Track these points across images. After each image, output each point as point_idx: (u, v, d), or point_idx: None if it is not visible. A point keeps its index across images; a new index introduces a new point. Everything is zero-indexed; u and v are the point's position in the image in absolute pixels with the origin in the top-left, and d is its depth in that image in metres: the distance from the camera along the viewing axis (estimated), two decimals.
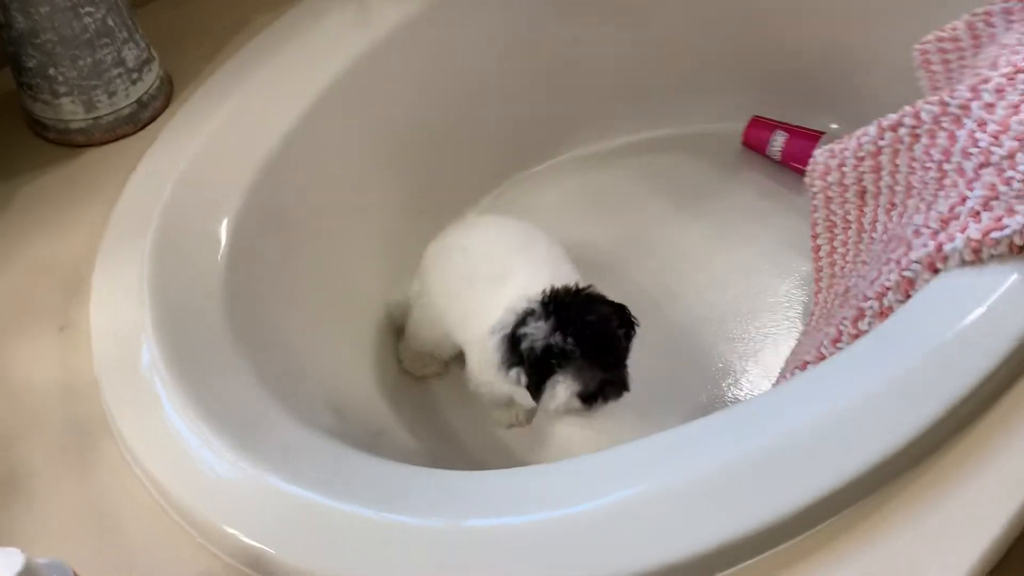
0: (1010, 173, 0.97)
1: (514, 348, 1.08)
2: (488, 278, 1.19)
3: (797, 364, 1.21)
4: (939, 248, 0.99)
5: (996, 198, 0.99)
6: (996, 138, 1.01)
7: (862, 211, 1.21)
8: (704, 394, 1.40)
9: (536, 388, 1.08)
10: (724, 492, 0.79)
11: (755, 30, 1.66)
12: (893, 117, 1.14)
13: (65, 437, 0.90)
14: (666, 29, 1.66)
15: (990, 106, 1.04)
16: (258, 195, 1.12)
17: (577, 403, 1.08)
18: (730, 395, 1.39)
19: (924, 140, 1.10)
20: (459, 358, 1.31)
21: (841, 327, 1.12)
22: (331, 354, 1.24)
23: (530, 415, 1.34)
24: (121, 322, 0.96)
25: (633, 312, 1.44)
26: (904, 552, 0.76)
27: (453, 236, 1.32)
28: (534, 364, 1.07)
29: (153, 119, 1.21)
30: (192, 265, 1.02)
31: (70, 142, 1.17)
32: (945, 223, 1.02)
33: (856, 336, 1.10)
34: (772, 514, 0.76)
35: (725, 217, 1.64)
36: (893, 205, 1.16)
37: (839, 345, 1.13)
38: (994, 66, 1.09)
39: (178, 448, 0.87)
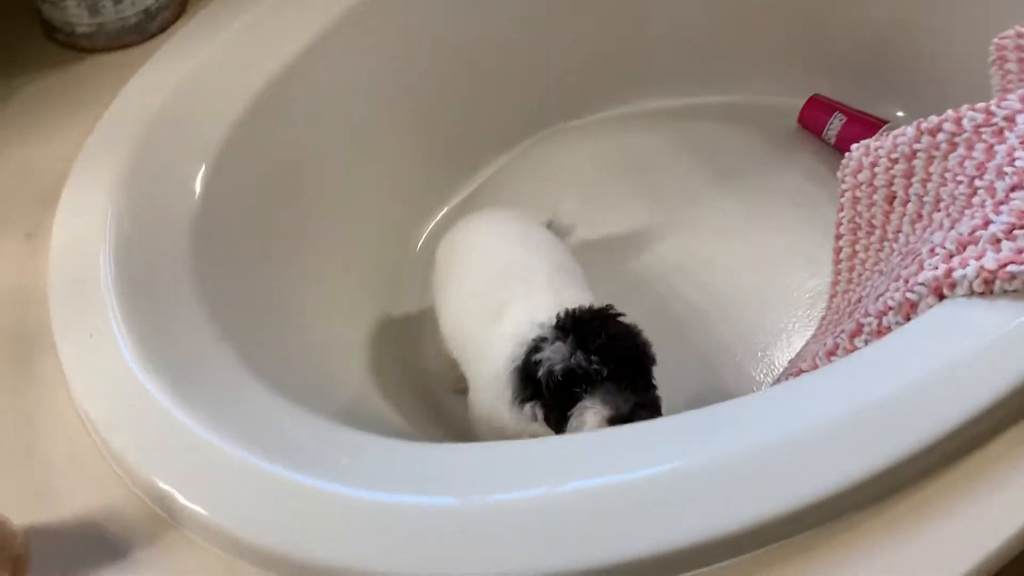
0: None
1: (527, 380, 0.95)
2: (487, 305, 1.06)
3: (792, 371, 1.14)
4: (948, 273, 0.89)
5: (1023, 228, 0.89)
6: None
7: (888, 217, 1.11)
8: (700, 383, 1.33)
9: (558, 420, 0.94)
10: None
11: (827, 2, 1.53)
12: (934, 120, 1.03)
13: (7, 347, 0.90)
14: None
15: None
16: (250, 126, 1.09)
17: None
18: (725, 389, 1.32)
19: (961, 150, 0.99)
20: None
21: (838, 340, 1.05)
22: (316, 319, 1.19)
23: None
24: (81, 240, 0.95)
25: (647, 286, 1.39)
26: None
27: (449, 245, 1.19)
28: (555, 392, 0.93)
29: (162, 30, 1.19)
30: (165, 194, 1.00)
31: (76, 46, 1.17)
32: (963, 246, 0.92)
33: (850, 352, 1.02)
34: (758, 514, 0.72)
35: (766, 198, 1.55)
36: (920, 216, 1.06)
37: (833, 359, 1.05)
38: None
39: (111, 378, 0.87)
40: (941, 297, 0.91)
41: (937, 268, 0.92)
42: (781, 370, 1.31)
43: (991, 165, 0.95)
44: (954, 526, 0.74)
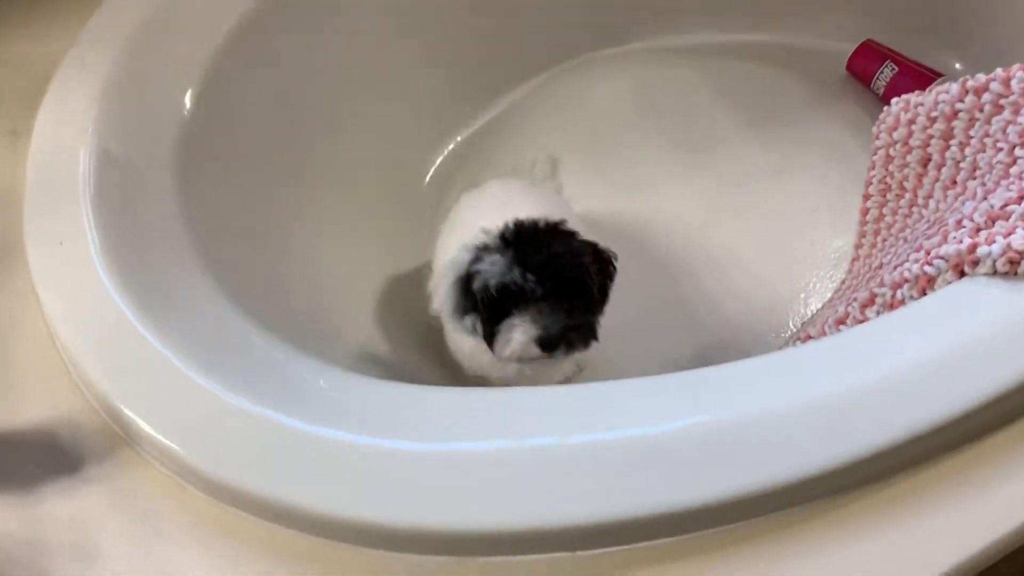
0: None
1: (467, 292, 0.92)
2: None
3: (802, 335, 1.08)
4: (972, 249, 0.82)
5: None
6: None
7: (920, 181, 1.03)
8: (709, 335, 1.27)
9: (490, 334, 0.91)
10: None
11: None
12: (981, 78, 0.95)
13: None
14: None
15: None
16: (248, 39, 1.03)
17: (535, 350, 0.90)
18: (733, 345, 1.26)
19: (1006, 114, 0.91)
20: None
21: (849, 308, 0.98)
22: (313, 254, 1.14)
23: None
24: (61, 144, 0.92)
25: (664, 232, 1.32)
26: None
27: (453, 211, 1.15)
28: (489, 306, 0.90)
29: None
30: (153, 106, 0.95)
31: None
32: (992, 220, 0.85)
33: (861, 323, 0.96)
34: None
35: (802, 149, 1.46)
36: (953, 183, 0.98)
37: (842, 327, 0.99)
38: None
39: (80, 289, 0.84)
40: (961, 274, 0.84)
41: (961, 242, 0.85)
42: (792, 328, 1.26)
43: None
44: (953, 511, 0.70)
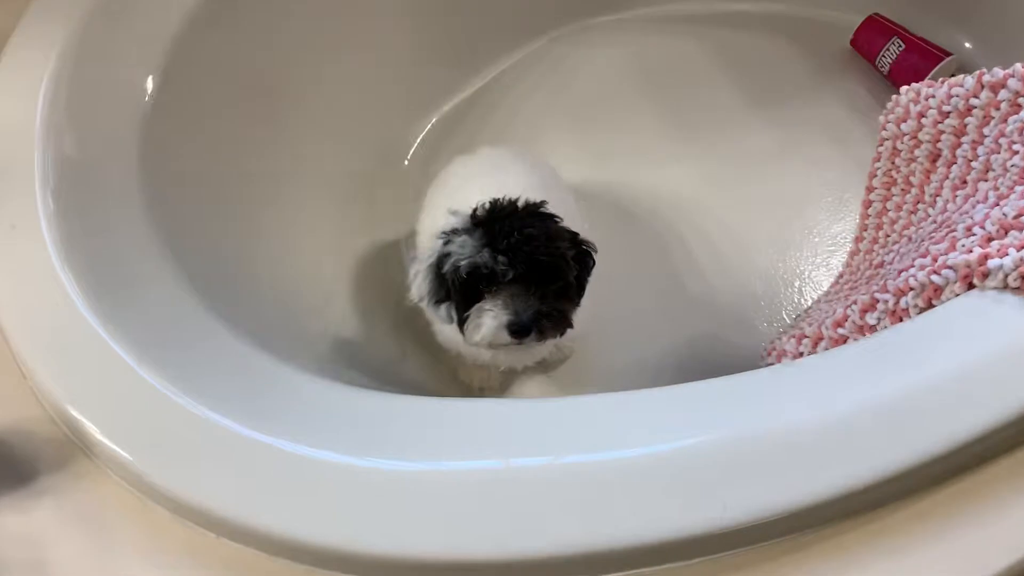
0: None
1: (441, 277, 0.87)
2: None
3: (796, 332, 1.04)
4: (983, 260, 0.78)
5: None
6: None
7: (928, 178, 0.98)
8: (702, 321, 1.23)
9: (461, 319, 0.87)
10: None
11: None
12: (999, 73, 0.89)
13: None
14: None
15: None
16: (216, 8, 0.95)
17: (506, 336, 0.85)
18: (724, 333, 1.22)
19: None
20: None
21: (848, 311, 0.94)
22: (286, 240, 1.08)
23: (504, 380, 1.17)
24: (12, 118, 0.84)
25: (658, 212, 1.27)
26: None
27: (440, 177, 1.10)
28: (459, 289, 0.85)
29: None
30: (114, 75, 0.88)
31: None
32: (1005, 230, 0.81)
33: (861, 328, 0.92)
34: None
35: (801, 128, 1.40)
36: (963, 183, 0.93)
37: (840, 331, 0.95)
38: None
39: (34, 282, 0.79)
40: (970, 286, 0.80)
41: (971, 252, 0.81)
42: (786, 318, 1.22)
43: None
44: (961, 538, 0.67)
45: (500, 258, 0.83)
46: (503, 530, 0.66)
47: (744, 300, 1.25)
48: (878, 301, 0.89)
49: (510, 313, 0.85)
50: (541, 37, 1.44)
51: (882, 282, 0.90)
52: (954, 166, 0.95)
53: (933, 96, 0.96)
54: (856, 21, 1.44)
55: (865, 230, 1.09)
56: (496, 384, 1.15)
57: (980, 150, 0.90)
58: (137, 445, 0.72)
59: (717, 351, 1.21)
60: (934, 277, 0.82)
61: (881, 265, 1.03)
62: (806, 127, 1.40)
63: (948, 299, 0.82)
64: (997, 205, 0.83)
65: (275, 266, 1.02)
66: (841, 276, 1.13)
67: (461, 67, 1.24)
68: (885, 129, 1.03)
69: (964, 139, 0.93)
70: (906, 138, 1.00)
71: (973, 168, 0.92)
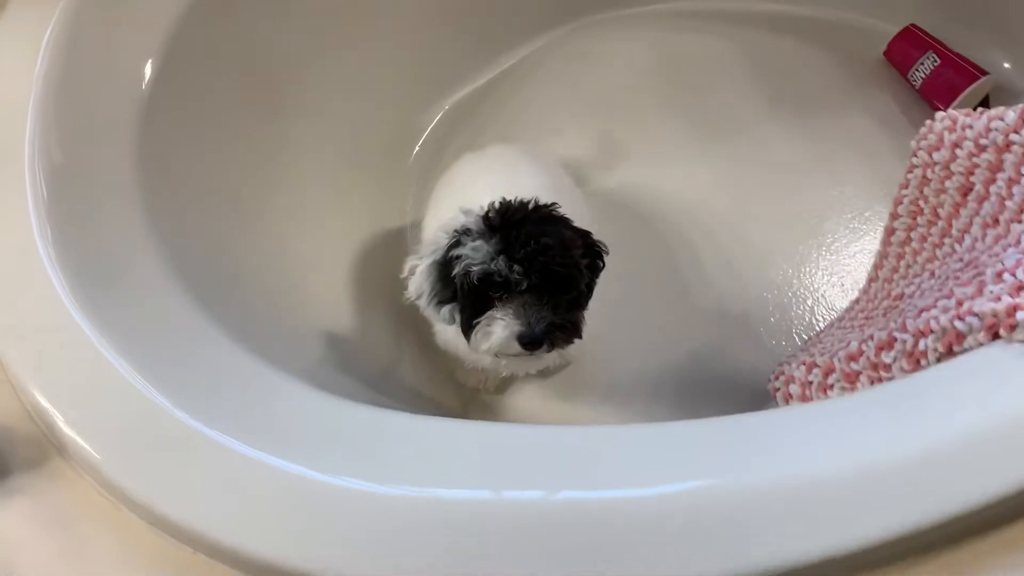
0: None
1: (446, 279, 0.85)
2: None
3: (806, 357, 1.00)
4: (1012, 311, 0.74)
5: None
6: None
7: (957, 211, 0.94)
8: (709, 334, 1.19)
9: (469, 325, 0.85)
10: None
11: None
12: None
13: None
14: None
15: None
16: None
17: (516, 347, 0.84)
18: (730, 349, 1.18)
19: None
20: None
21: (864, 347, 0.90)
22: (286, 240, 1.04)
23: (501, 383, 1.14)
24: (7, 99, 0.80)
25: (670, 218, 1.24)
26: None
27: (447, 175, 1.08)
28: (468, 295, 0.83)
29: None
30: (111, 57, 0.83)
31: None
32: None
33: (875, 366, 0.88)
34: None
35: (826, 139, 1.36)
36: (995, 222, 0.89)
37: (853, 365, 0.91)
38: None
39: (18, 272, 0.75)
40: (995, 336, 0.76)
41: (999, 300, 0.77)
42: (797, 338, 1.18)
43: None
44: None
45: (516, 267, 0.81)
46: (488, 568, 0.63)
47: (753, 315, 1.21)
48: (896, 340, 0.86)
49: (522, 324, 0.83)
50: (564, 25, 1.39)
51: (901, 319, 0.86)
52: (986, 202, 0.90)
53: (970, 127, 0.92)
54: (892, 31, 1.39)
55: (886, 258, 1.05)
56: (492, 387, 1.12)
57: (1016, 189, 0.86)
58: (110, 446, 0.69)
59: (721, 367, 1.17)
60: (957, 323, 0.78)
61: (900, 297, 0.99)
62: (831, 138, 1.35)
63: (970, 347, 0.78)
64: None
65: (271, 261, 0.99)
66: (857, 302, 1.09)
67: (477, 54, 1.20)
68: (916, 156, 0.98)
69: (1000, 175, 0.88)
70: (937, 168, 0.96)
71: (1007, 207, 0.88)
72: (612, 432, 0.73)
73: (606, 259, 0.91)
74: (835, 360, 0.94)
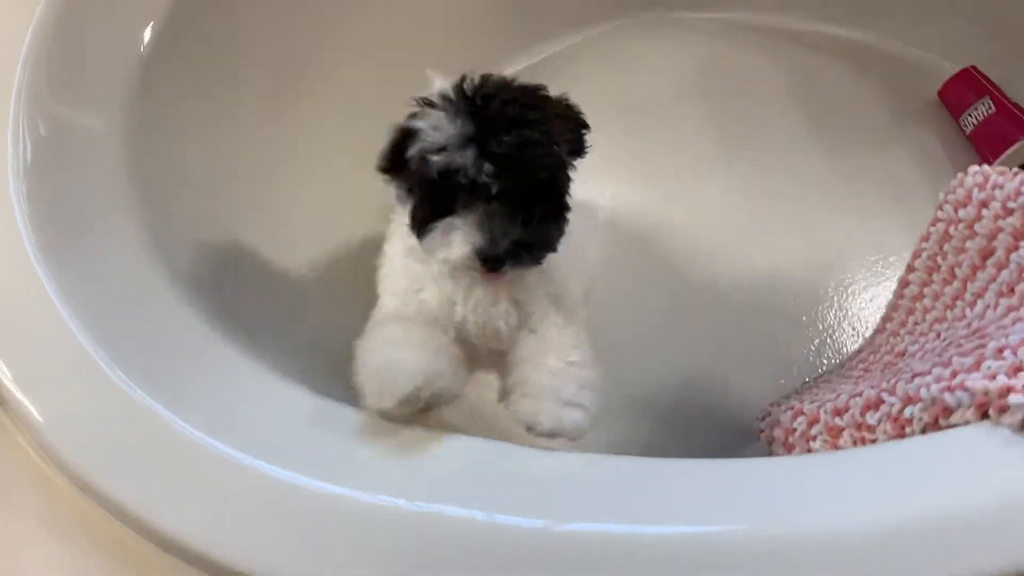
0: None
1: (399, 152, 0.69)
2: None
3: (793, 406, 0.96)
4: (1005, 392, 0.70)
5: None
6: None
7: (974, 274, 0.89)
8: (703, 365, 1.15)
9: (422, 224, 0.70)
10: None
11: None
12: None
13: None
14: None
15: None
16: None
17: (476, 263, 0.69)
18: (729, 384, 1.14)
19: None
20: None
21: (851, 403, 0.86)
22: (281, 233, 0.99)
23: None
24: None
25: (677, 235, 1.20)
26: None
27: None
28: (423, 188, 0.68)
29: None
30: (103, 42, 0.81)
31: None
32: None
33: (859, 426, 0.84)
34: None
35: (861, 174, 1.30)
36: (1011, 291, 0.84)
37: (838, 420, 0.87)
38: None
39: None
40: (983, 415, 0.71)
41: (995, 378, 0.72)
42: (796, 376, 1.13)
43: None
44: None
45: (487, 167, 0.65)
46: None
47: (755, 347, 1.17)
48: (883, 402, 0.81)
49: (484, 238, 0.67)
50: (609, 21, 1.35)
51: (893, 380, 0.82)
52: (1005, 270, 0.85)
53: (1001, 187, 0.86)
54: (951, 70, 1.32)
55: (896, 311, 1.00)
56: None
57: None
58: (47, 404, 0.68)
59: (713, 397, 1.13)
60: (947, 396, 0.74)
61: (902, 354, 0.94)
62: (866, 173, 1.29)
63: (956, 423, 0.73)
64: None
65: (266, 252, 0.96)
66: (860, 351, 1.05)
67: (508, 41, 1.16)
68: (942, 210, 0.93)
69: (1023, 243, 0.83)
70: (961, 225, 0.90)
71: None
72: (618, 462, 0.69)
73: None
74: (821, 411, 0.90)
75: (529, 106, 0.68)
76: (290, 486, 0.64)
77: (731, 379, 1.14)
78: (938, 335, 0.91)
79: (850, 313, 1.18)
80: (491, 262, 0.68)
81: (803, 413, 0.93)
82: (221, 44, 0.91)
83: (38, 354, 0.69)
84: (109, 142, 0.81)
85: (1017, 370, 0.72)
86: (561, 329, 0.77)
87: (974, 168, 0.92)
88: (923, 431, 0.76)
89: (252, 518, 0.63)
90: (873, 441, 0.83)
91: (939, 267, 0.94)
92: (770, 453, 0.99)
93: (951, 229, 0.92)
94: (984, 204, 0.88)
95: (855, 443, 0.85)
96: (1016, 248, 0.84)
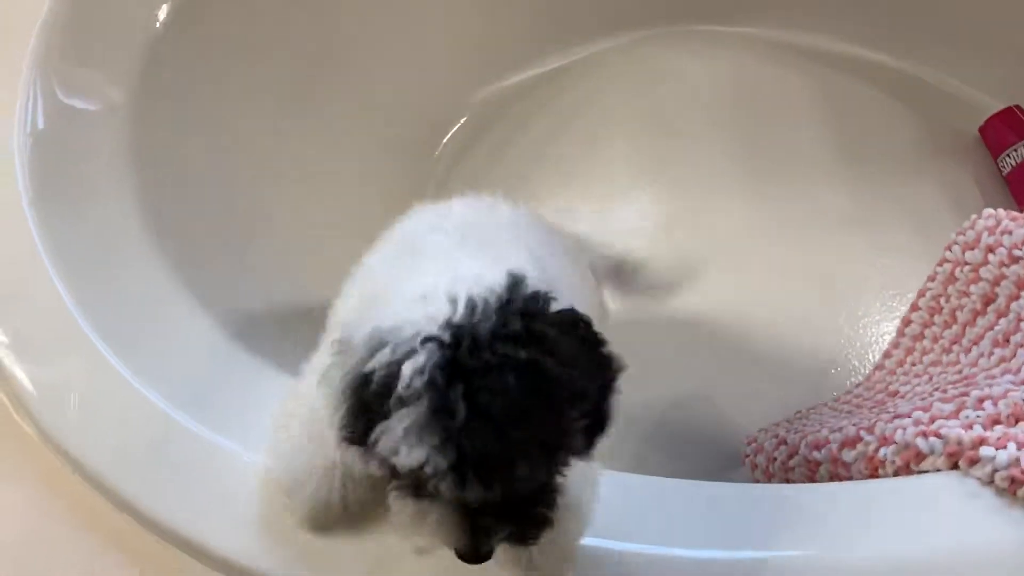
0: None
1: (361, 401, 0.48)
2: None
3: (778, 434, 0.95)
4: (977, 444, 0.68)
5: None
6: None
7: (974, 320, 0.86)
8: (686, 387, 1.14)
9: (361, 432, 0.49)
10: None
11: None
12: None
13: None
14: None
15: None
16: None
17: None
18: (714, 407, 1.13)
19: None
20: None
21: (831, 438, 0.84)
22: (290, 223, 1.00)
23: None
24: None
25: (686, 253, 1.17)
26: None
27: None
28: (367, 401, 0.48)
29: None
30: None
31: None
32: (1016, 419, 0.69)
33: (835, 461, 0.83)
34: None
35: (887, 205, 1.26)
36: (1006, 341, 0.81)
37: (815, 454, 0.86)
38: None
39: None
40: (954, 466, 0.70)
41: (971, 427, 0.70)
42: (792, 406, 1.11)
43: None
44: None
45: (470, 482, 0.46)
46: None
47: (754, 371, 1.15)
48: (860, 440, 0.80)
49: (465, 542, 0.51)
50: (633, 31, 1.33)
51: (874, 419, 0.80)
52: (1004, 319, 0.82)
53: (1009, 232, 0.84)
54: (993, 107, 1.28)
55: (896, 348, 0.98)
56: None
57: None
58: (34, 367, 0.70)
59: (706, 419, 1.12)
60: (919, 441, 0.72)
61: (895, 394, 0.92)
62: (892, 205, 1.26)
63: (927, 470, 0.71)
64: None
65: (272, 245, 0.96)
66: (857, 386, 1.02)
67: (534, 42, 1.15)
68: (950, 250, 0.90)
69: None
70: (967, 268, 0.88)
71: (1022, 329, 0.80)
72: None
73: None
74: (802, 443, 0.89)
75: (526, 364, 0.47)
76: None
77: (726, 403, 1.13)
78: (930, 378, 0.88)
79: (857, 346, 1.15)
80: (472, 559, 0.52)
81: (785, 443, 0.92)
82: (238, 29, 0.92)
83: (23, 312, 0.71)
84: (117, 116, 0.82)
85: (995, 422, 0.70)
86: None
87: (988, 211, 0.89)
88: (895, 474, 0.75)
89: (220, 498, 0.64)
90: (848, 478, 0.81)
91: (941, 309, 0.92)
92: (754, 480, 0.98)
93: (957, 271, 0.89)
94: (991, 249, 0.85)
95: (832, 479, 0.83)
96: (1018, 297, 0.81)
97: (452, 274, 0.51)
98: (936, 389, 0.82)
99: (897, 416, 0.78)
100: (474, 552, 0.51)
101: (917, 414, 0.76)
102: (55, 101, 0.79)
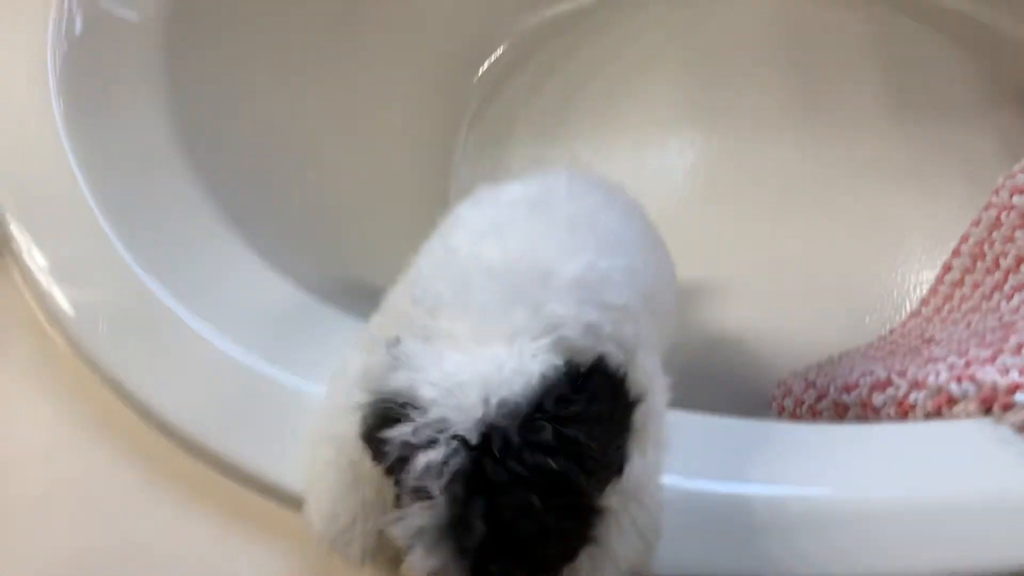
0: None
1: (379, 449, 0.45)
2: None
3: (807, 376, 0.94)
4: (1013, 389, 0.66)
5: None
6: None
7: (1017, 266, 0.83)
8: (722, 324, 1.12)
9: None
10: None
11: None
12: None
13: None
14: None
15: None
16: None
17: None
18: (746, 347, 1.11)
19: None
20: None
21: (861, 381, 0.83)
22: (330, 154, 0.99)
23: None
24: None
25: (731, 195, 1.15)
26: None
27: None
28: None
29: None
30: None
31: None
32: None
33: (864, 406, 0.81)
34: None
35: (939, 152, 1.22)
36: None
37: (845, 397, 0.84)
38: None
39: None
40: (987, 411, 0.68)
41: (1007, 373, 0.68)
42: (823, 351, 1.09)
43: None
44: None
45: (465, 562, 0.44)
46: None
47: (789, 312, 1.13)
48: (891, 384, 0.78)
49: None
50: None
51: (907, 364, 0.78)
52: None
53: None
54: None
55: (934, 295, 0.95)
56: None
57: None
58: (58, 267, 0.71)
59: (737, 362, 1.11)
60: (953, 385, 0.70)
61: (930, 341, 0.89)
62: (945, 152, 1.21)
63: (958, 415, 0.70)
64: None
65: (300, 173, 0.96)
66: (891, 332, 1.00)
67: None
68: (997, 195, 0.87)
69: None
70: (1013, 213, 0.85)
71: None
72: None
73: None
74: (831, 386, 0.87)
75: (563, 507, 0.44)
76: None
77: (758, 346, 1.11)
78: (968, 324, 0.86)
79: (895, 294, 1.13)
80: None
81: (814, 386, 0.91)
82: None
83: (51, 215, 0.72)
84: (152, 25, 0.82)
85: None
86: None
87: None
88: (926, 418, 0.73)
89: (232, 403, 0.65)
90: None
91: (984, 255, 0.89)
92: None
93: (1003, 216, 0.86)
94: None
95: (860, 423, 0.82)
96: None
97: (491, 354, 0.46)
98: (973, 335, 0.80)
99: (931, 360, 0.76)
100: None
101: (952, 359, 0.74)
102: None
